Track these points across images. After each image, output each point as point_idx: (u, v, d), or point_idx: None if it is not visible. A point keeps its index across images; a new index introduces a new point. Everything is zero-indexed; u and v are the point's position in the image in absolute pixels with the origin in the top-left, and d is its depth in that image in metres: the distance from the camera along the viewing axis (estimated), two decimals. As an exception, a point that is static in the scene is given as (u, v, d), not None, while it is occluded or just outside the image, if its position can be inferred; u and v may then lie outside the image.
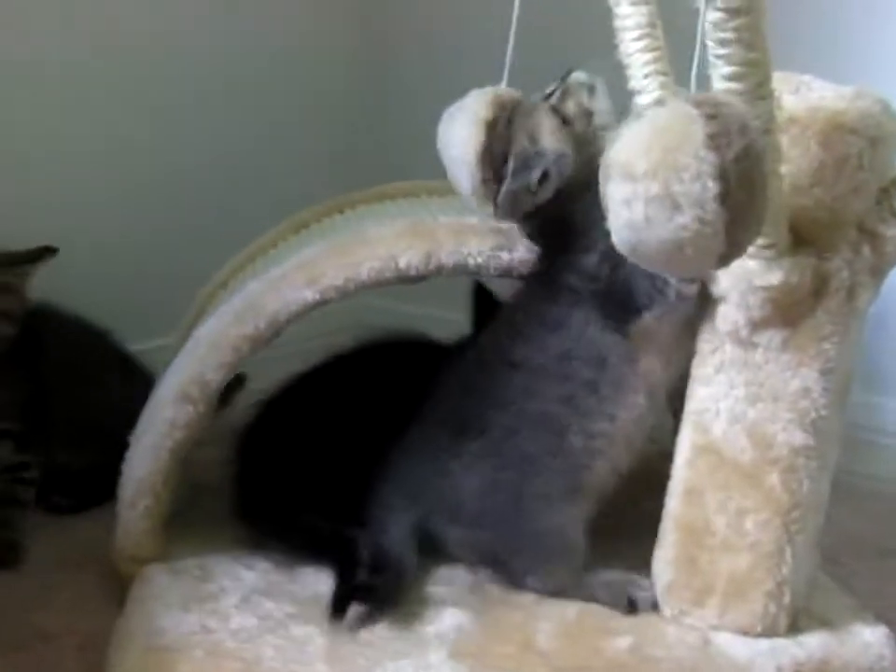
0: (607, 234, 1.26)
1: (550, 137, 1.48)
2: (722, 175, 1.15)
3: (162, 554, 1.57)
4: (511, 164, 1.48)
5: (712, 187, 1.16)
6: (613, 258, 1.35)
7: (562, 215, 1.48)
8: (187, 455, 1.58)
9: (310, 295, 1.54)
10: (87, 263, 2.01)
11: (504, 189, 1.48)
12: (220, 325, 1.58)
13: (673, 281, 1.39)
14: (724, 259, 1.21)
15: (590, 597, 1.46)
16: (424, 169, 1.58)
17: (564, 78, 1.51)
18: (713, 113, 1.17)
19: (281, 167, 2.34)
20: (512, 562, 1.49)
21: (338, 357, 1.73)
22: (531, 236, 1.53)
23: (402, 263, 1.53)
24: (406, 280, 1.55)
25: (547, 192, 1.49)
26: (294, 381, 1.72)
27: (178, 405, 1.56)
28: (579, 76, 1.52)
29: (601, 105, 1.51)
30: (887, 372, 2.00)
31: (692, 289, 1.40)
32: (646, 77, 1.38)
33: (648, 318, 1.43)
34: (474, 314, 1.75)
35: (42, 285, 1.76)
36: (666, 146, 1.17)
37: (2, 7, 1.94)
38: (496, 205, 1.51)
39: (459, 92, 1.55)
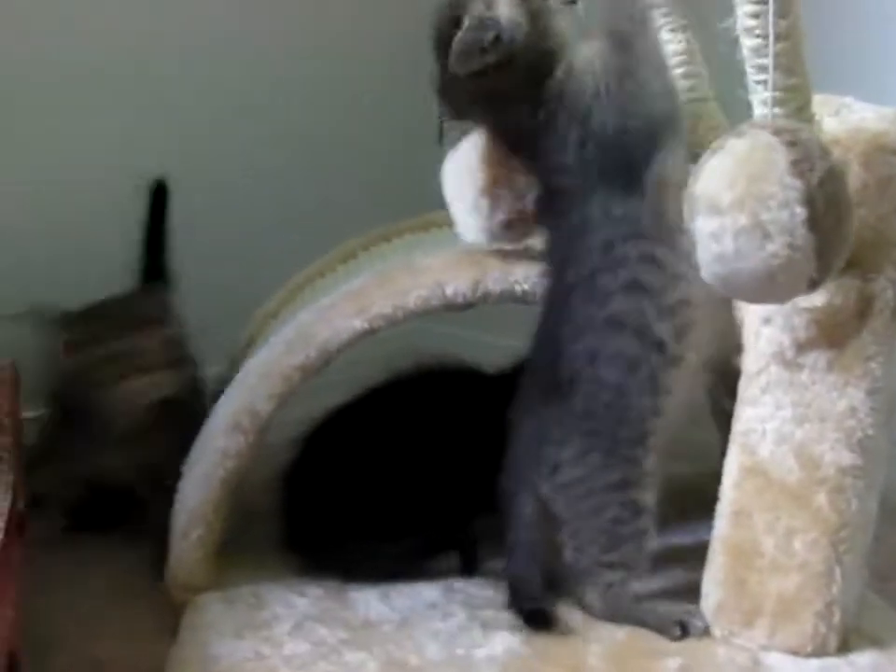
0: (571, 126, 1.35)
1: (506, 7, 1.44)
2: (809, 200, 1.17)
3: (215, 582, 1.59)
4: (465, 23, 1.43)
5: (800, 212, 1.17)
6: (586, 142, 1.38)
7: (503, 87, 1.45)
8: (238, 483, 1.59)
9: (359, 324, 1.56)
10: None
11: (457, 39, 1.43)
12: (271, 355, 1.61)
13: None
14: (815, 284, 1.23)
15: (640, 623, 1.46)
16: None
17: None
18: (793, 140, 1.18)
19: (327, 197, 2.34)
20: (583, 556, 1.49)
21: (377, 388, 1.73)
22: (463, 101, 1.49)
23: (449, 291, 1.55)
24: (453, 308, 1.57)
25: (496, 55, 1.43)
26: (334, 413, 1.73)
27: (229, 435, 1.58)
28: None
29: None
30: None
31: None
32: (685, 102, 1.41)
33: (657, 168, 1.39)
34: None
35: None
36: (751, 176, 1.19)
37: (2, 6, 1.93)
38: (445, 61, 1.46)
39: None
